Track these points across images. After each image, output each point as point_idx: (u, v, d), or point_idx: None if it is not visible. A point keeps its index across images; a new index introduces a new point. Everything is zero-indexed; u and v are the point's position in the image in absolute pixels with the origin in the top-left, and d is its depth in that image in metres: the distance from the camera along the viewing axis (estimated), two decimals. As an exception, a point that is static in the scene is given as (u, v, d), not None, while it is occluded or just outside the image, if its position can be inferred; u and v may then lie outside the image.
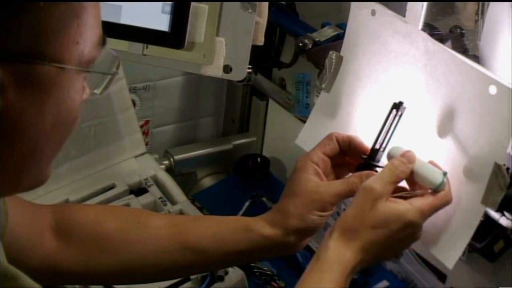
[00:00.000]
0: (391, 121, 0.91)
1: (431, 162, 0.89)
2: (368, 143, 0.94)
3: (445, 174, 0.87)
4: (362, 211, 0.85)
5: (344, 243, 0.84)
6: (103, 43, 0.63)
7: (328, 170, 0.94)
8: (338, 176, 0.96)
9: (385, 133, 0.91)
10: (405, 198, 0.87)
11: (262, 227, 0.92)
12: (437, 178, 0.87)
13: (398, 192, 0.88)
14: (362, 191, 0.86)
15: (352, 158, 0.96)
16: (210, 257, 0.93)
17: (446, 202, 0.87)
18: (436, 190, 0.87)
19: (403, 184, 0.90)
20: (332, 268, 0.83)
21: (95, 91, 0.67)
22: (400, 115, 0.91)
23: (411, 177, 0.88)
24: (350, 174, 0.94)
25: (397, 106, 0.91)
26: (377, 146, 0.91)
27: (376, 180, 0.86)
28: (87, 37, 0.60)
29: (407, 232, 0.85)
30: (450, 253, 0.88)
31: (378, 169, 0.91)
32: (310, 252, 1.33)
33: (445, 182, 0.87)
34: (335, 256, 0.84)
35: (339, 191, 0.91)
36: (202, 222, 0.98)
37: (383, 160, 0.92)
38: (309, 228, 0.92)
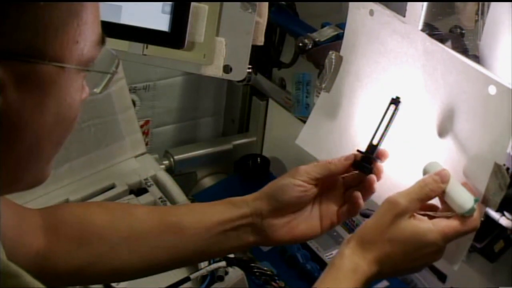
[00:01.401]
0: (386, 117, 0.91)
1: (464, 184, 0.87)
2: (368, 142, 0.94)
3: (476, 200, 0.84)
4: (382, 224, 0.84)
5: (359, 253, 0.84)
6: (102, 42, 0.63)
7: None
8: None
9: (382, 129, 0.91)
10: (432, 217, 0.85)
11: (241, 198, 0.96)
12: (467, 203, 0.84)
13: (426, 208, 0.86)
14: (386, 204, 0.85)
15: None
16: (191, 234, 0.93)
17: (473, 229, 0.85)
18: (464, 215, 0.84)
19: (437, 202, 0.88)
20: (346, 278, 0.83)
21: (95, 90, 0.67)
22: (395, 110, 0.90)
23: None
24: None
25: (394, 101, 0.91)
26: (375, 142, 0.91)
27: (403, 195, 0.85)
28: (86, 36, 0.60)
29: (425, 251, 0.84)
30: (454, 254, 0.88)
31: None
32: (310, 252, 1.33)
33: (475, 208, 0.84)
34: (350, 265, 0.83)
35: (315, 168, 0.92)
36: (187, 205, 0.98)
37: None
38: (281, 198, 0.92)
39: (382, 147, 0.92)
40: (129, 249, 0.93)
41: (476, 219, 0.85)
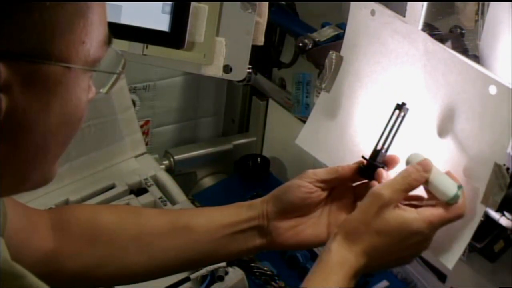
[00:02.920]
0: (393, 122, 0.90)
1: (448, 173, 0.87)
2: (368, 143, 0.94)
3: (460, 187, 0.85)
4: (367, 216, 0.84)
5: (347, 246, 0.84)
6: (109, 42, 0.63)
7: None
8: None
9: (387, 134, 0.91)
10: (416, 206, 0.85)
11: (250, 202, 0.95)
12: (451, 190, 0.84)
13: (412, 200, 0.87)
14: (370, 196, 0.85)
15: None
16: (200, 236, 0.93)
17: (458, 216, 0.85)
18: (449, 202, 0.84)
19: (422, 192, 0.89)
20: (335, 271, 0.83)
21: (101, 90, 0.67)
22: (403, 116, 0.90)
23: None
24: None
25: (400, 107, 0.90)
26: (379, 147, 0.91)
27: (386, 186, 0.85)
28: (93, 36, 0.60)
29: (413, 241, 0.84)
30: (450, 253, 0.88)
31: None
32: (310, 253, 1.33)
33: (459, 195, 0.84)
34: (338, 259, 0.83)
35: (322, 170, 0.93)
36: (196, 208, 0.98)
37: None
38: (285, 198, 0.92)
39: (389, 152, 0.91)
40: (138, 251, 0.93)
41: (461, 206, 0.84)
